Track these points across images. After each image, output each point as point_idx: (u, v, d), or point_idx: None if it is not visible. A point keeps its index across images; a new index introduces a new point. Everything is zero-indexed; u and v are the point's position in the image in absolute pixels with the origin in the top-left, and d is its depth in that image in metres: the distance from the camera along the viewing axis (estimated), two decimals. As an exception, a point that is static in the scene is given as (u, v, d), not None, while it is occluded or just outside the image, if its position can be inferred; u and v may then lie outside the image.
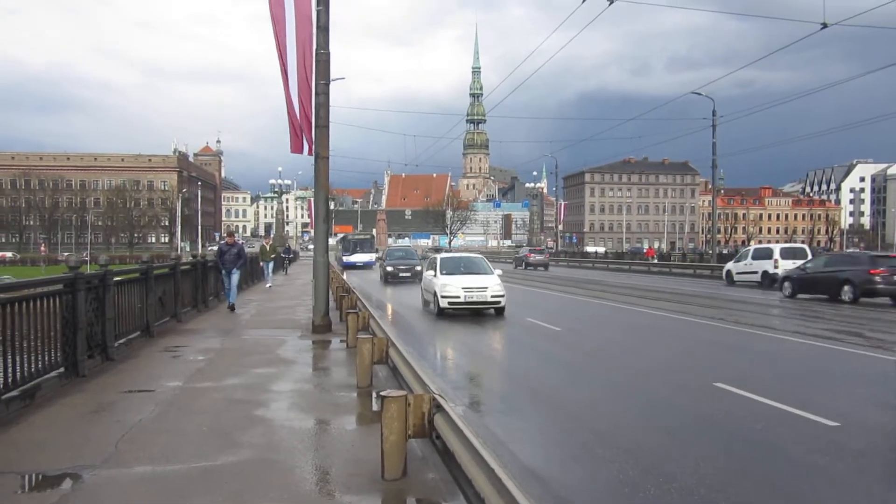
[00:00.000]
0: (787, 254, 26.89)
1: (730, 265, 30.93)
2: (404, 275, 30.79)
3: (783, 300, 21.50)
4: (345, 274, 31.88)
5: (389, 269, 31.32)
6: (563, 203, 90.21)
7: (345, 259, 48.56)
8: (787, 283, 22.71)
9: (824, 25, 18.04)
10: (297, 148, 12.23)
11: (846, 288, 19.93)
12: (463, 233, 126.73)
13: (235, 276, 16.31)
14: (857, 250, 33.22)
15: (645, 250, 67.61)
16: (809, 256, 25.88)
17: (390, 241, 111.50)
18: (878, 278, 19.37)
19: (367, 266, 47.75)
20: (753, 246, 36.69)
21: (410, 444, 4.85)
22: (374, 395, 7.34)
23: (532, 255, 49.81)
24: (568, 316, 17.41)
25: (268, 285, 26.00)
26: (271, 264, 27.66)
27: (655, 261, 51.30)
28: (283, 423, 6.34)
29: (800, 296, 21.77)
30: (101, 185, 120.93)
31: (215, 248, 76.52)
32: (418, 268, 28.89)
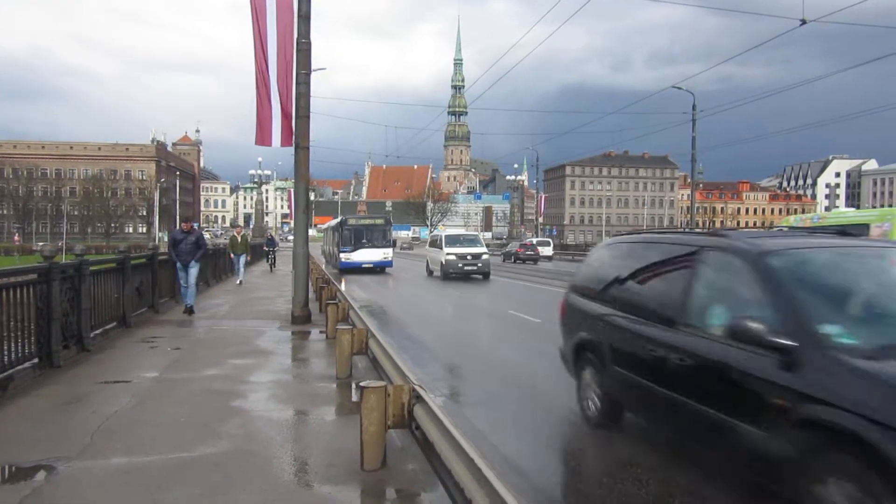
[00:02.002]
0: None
1: None
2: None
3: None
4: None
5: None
6: (543, 196, 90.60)
7: (343, 257, 32.04)
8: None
9: (803, 22, 18.19)
10: (263, 140, 12.12)
11: (512, 256, 47.11)
12: (443, 224, 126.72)
13: (194, 271, 13.61)
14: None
15: None
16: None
17: None
18: (519, 252, 46.54)
19: (378, 268, 32.40)
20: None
21: (390, 434, 4.84)
22: (353, 385, 7.32)
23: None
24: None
25: (238, 281, 22.39)
26: (243, 257, 23.29)
27: None
28: (261, 414, 6.30)
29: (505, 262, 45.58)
30: (78, 174, 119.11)
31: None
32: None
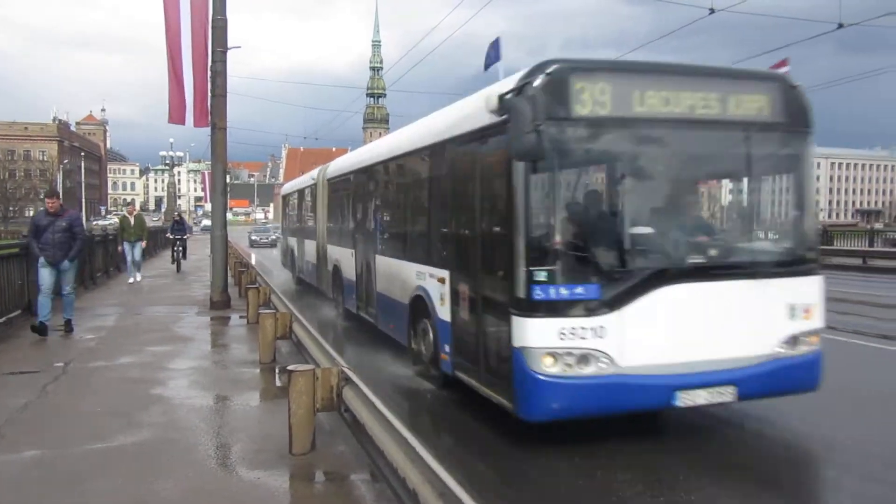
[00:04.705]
0: None
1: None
2: None
3: None
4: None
5: None
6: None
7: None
8: None
9: (712, 10, 18.88)
10: (177, 118, 11.76)
11: None
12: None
13: (70, 275, 9.39)
14: None
15: None
16: None
17: None
18: None
19: None
20: None
21: (318, 418, 4.82)
22: (277, 370, 7.24)
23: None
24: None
25: (131, 279, 16.76)
26: (138, 245, 16.83)
27: None
28: (183, 402, 6.16)
29: None
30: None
31: (101, 222, 70.08)
32: None
